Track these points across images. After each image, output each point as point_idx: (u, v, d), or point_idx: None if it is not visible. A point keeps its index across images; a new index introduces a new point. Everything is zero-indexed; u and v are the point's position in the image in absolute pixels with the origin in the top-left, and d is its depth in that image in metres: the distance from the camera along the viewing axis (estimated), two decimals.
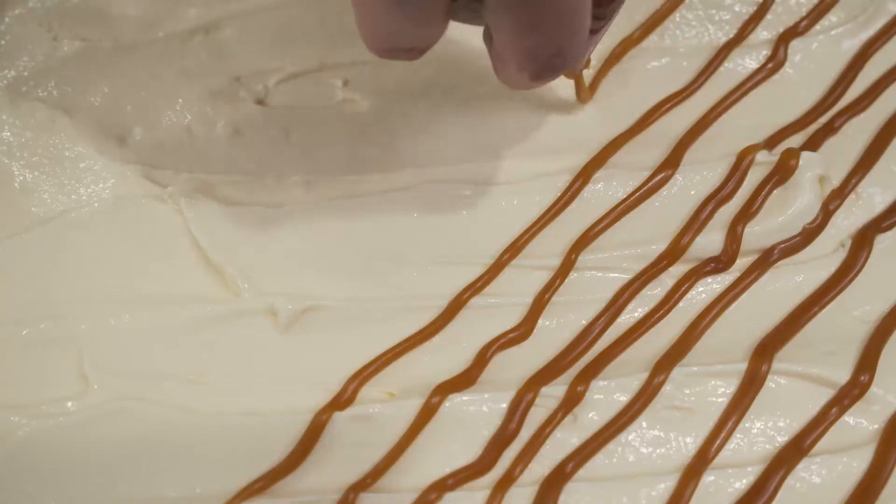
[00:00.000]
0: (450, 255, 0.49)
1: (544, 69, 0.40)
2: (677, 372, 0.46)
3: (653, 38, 0.54)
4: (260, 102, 0.53)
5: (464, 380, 0.46)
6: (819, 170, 0.49)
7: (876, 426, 0.45)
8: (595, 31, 0.44)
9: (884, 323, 0.48)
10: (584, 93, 0.52)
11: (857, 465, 0.45)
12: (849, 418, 0.46)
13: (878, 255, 0.49)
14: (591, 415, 0.45)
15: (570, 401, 0.45)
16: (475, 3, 0.39)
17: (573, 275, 0.48)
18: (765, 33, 0.54)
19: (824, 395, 0.46)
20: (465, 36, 0.54)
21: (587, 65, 0.52)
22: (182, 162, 0.51)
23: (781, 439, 0.45)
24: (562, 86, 0.53)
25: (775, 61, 0.54)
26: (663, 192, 0.50)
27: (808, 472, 0.44)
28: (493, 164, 0.51)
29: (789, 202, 0.49)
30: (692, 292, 0.48)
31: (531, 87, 0.42)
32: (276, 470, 0.44)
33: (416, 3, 0.38)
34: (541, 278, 0.48)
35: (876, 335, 0.47)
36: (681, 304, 0.48)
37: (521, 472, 0.44)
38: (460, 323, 0.47)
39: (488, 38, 0.42)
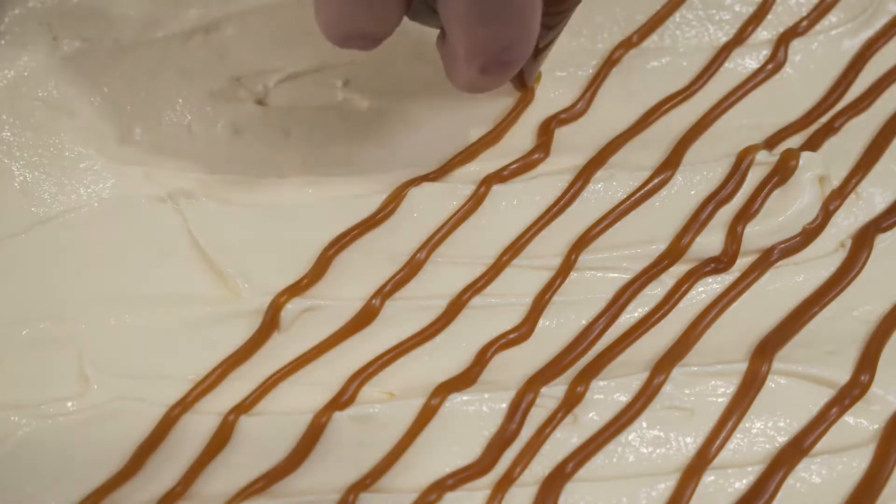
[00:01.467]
0: (450, 255, 0.49)
1: (493, 63, 0.41)
2: (677, 372, 0.46)
3: (653, 38, 0.54)
4: (260, 102, 0.53)
5: (464, 380, 0.46)
6: (819, 170, 0.50)
7: (876, 426, 0.46)
8: (550, 27, 0.45)
9: (884, 323, 0.48)
10: (530, 92, 0.53)
11: (857, 465, 0.45)
12: (849, 418, 0.46)
13: (878, 255, 0.49)
14: (591, 415, 0.45)
15: (570, 401, 0.45)
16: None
17: (573, 275, 0.48)
18: (765, 33, 0.54)
19: (824, 395, 0.46)
20: None
21: (538, 80, 0.52)
22: (182, 162, 0.51)
23: (781, 439, 0.45)
24: (556, 87, 0.53)
25: (775, 61, 0.54)
26: (663, 192, 0.50)
27: (808, 472, 0.44)
28: (493, 163, 0.51)
29: (789, 202, 0.49)
30: (692, 292, 0.48)
31: (482, 86, 0.43)
32: (276, 470, 0.44)
33: None
34: (541, 278, 0.48)
35: (876, 335, 0.47)
36: (681, 304, 0.48)
37: (521, 472, 0.44)
38: (460, 323, 0.47)
39: (441, 38, 0.43)
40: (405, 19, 0.42)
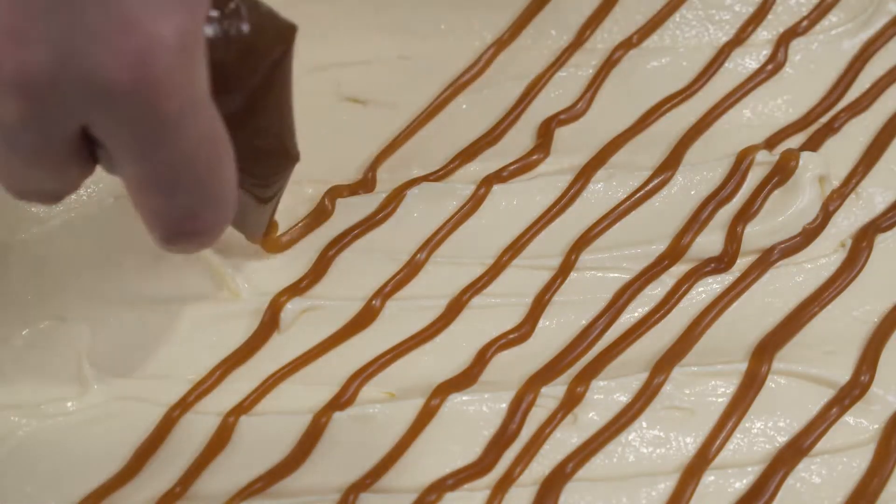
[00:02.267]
0: (450, 255, 0.49)
1: (175, 233, 0.36)
2: (677, 372, 0.46)
3: (653, 38, 0.54)
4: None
5: (464, 380, 0.46)
6: (819, 170, 0.49)
7: (876, 426, 0.46)
8: (266, 199, 0.43)
9: (884, 323, 0.48)
10: (274, 248, 0.48)
11: (857, 465, 0.45)
12: (849, 418, 0.46)
13: (878, 255, 0.49)
14: (591, 415, 0.45)
15: (570, 401, 0.45)
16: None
17: (573, 275, 0.48)
18: (765, 33, 0.54)
19: (824, 395, 0.46)
20: (466, 34, 0.54)
21: (273, 229, 0.48)
22: None
23: (781, 439, 0.45)
24: (556, 87, 0.53)
25: (775, 61, 0.54)
26: (663, 192, 0.50)
27: (808, 472, 0.44)
28: (493, 163, 0.51)
29: (789, 202, 0.49)
30: (692, 292, 0.48)
31: (174, 250, 0.38)
32: (276, 470, 0.44)
33: (36, 158, 0.33)
34: (541, 278, 0.48)
35: (876, 335, 0.47)
36: (681, 304, 0.48)
37: (521, 472, 0.44)
38: (460, 323, 0.47)
39: None
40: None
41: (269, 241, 0.48)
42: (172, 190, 0.34)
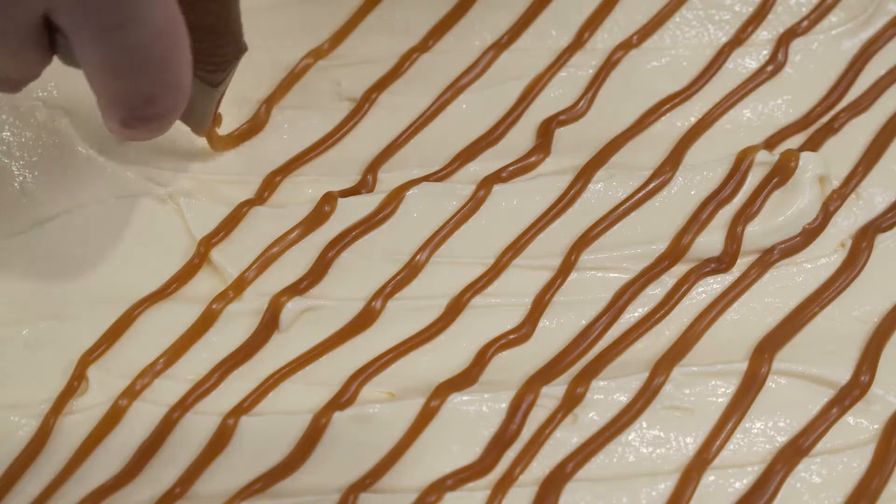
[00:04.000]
0: (450, 255, 0.49)
1: (133, 117, 0.38)
2: (677, 372, 0.46)
3: (653, 39, 0.54)
4: (261, 102, 0.53)
5: (464, 380, 0.46)
6: (819, 170, 0.49)
7: (876, 426, 0.45)
8: (216, 84, 0.45)
9: (884, 323, 0.48)
10: (219, 144, 0.51)
11: (857, 465, 0.45)
12: (849, 418, 0.46)
13: (878, 255, 0.49)
14: (591, 415, 0.45)
15: (570, 401, 0.45)
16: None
17: (573, 275, 0.48)
18: (765, 33, 0.54)
19: (824, 395, 0.46)
20: (466, 34, 0.54)
21: (218, 121, 0.50)
22: (182, 162, 0.51)
23: (781, 439, 0.45)
24: (556, 87, 0.53)
25: (775, 61, 0.54)
26: (663, 192, 0.50)
27: (808, 472, 0.44)
28: (493, 163, 0.51)
29: (789, 202, 0.49)
30: (692, 292, 0.48)
31: (128, 135, 0.40)
32: (276, 470, 0.44)
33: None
34: (541, 278, 0.48)
35: (876, 335, 0.47)
36: (681, 304, 0.48)
37: (521, 472, 0.44)
38: (460, 323, 0.47)
39: None
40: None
41: (215, 137, 0.50)
42: (132, 74, 0.36)
